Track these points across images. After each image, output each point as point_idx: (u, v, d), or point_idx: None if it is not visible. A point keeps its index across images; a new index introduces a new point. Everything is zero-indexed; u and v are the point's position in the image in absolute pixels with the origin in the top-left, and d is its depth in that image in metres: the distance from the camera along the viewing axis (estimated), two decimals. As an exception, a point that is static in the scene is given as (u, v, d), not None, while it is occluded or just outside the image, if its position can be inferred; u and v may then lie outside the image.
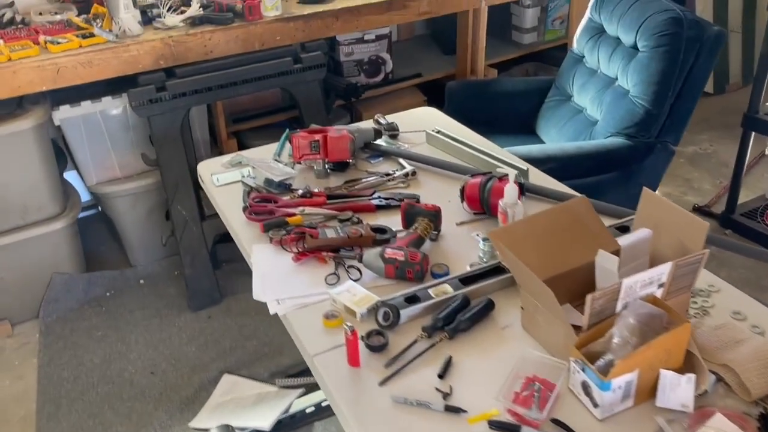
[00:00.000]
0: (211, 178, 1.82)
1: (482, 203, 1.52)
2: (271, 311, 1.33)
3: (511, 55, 3.49)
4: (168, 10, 2.48)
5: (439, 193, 1.68)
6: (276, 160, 1.87)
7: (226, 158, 1.92)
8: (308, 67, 2.56)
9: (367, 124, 2.03)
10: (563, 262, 1.22)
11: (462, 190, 1.57)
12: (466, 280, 1.33)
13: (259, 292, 1.36)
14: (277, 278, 1.40)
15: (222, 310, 2.58)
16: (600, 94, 2.53)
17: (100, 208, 3.07)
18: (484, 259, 1.40)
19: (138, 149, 2.64)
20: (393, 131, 1.98)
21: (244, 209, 1.62)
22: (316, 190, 1.70)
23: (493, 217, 1.53)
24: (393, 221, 1.57)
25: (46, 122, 2.42)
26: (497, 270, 1.35)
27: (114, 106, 2.51)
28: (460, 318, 1.22)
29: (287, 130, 2.04)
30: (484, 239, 1.40)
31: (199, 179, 1.91)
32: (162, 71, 2.40)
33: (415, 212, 1.48)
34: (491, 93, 2.93)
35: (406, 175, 1.76)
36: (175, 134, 2.42)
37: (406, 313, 1.24)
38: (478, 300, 1.27)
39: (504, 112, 2.90)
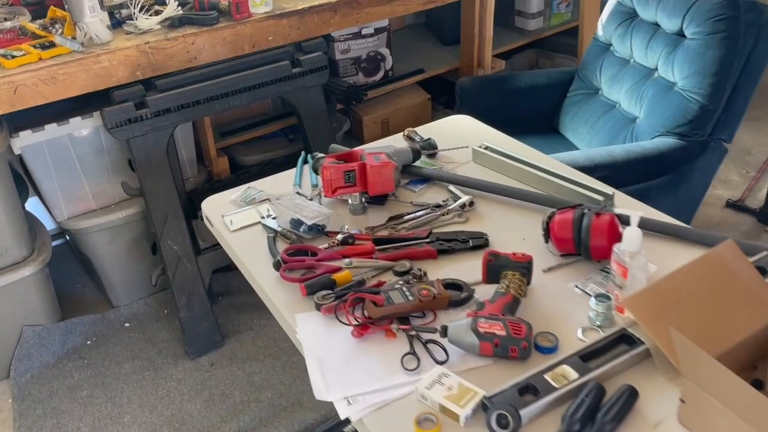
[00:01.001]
0: (223, 220, 1.49)
1: (577, 244, 1.23)
2: (342, 415, 1.01)
3: (516, 43, 3.21)
4: (140, 11, 2.12)
5: (507, 227, 1.39)
6: (299, 193, 1.55)
7: (236, 193, 1.59)
8: (308, 70, 2.23)
9: (401, 143, 1.72)
10: (726, 334, 0.94)
11: (546, 228, 1.28)
12: (587, 355, 1.04)
13: (320, 388, 1.05)
14: (338, 364, 1.09)
15: (225, 356, 2.25)
16: (638, 87, 2.26)
17: (67, 237, 2.68)
18: (597, 322, 1.12)
19: (115, 176, 2.27)
20: (432, 149, 1.67)
21: (276, 266, 1.30)
22: (356, 232, 1.39)
23: (589, 261, 1.25)
24: (460, 270, 1.27)
25: (4, 152, 2.04)
26: (621, 338, 1.07)
27: (84, 128, 2.14)
28: (603, 419, 0.93)
29: (303, 152, 1.72)
30: (599, 298, 1.11)
31: (205, 221, 1.57)
32: (139, 84, 2.04)
33: (500, 264, 1.18)
34: (508, 89, 2.63)
35: (463, 206, 1.46)
36: (161, 158, 2.07)
37: (526, 414, 0.95)
38: (615, 387, 0.98)
39: (521, 109, 2.61)
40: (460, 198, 1.48)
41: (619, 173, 2.02)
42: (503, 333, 1.04)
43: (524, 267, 1.17)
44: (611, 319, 1.11)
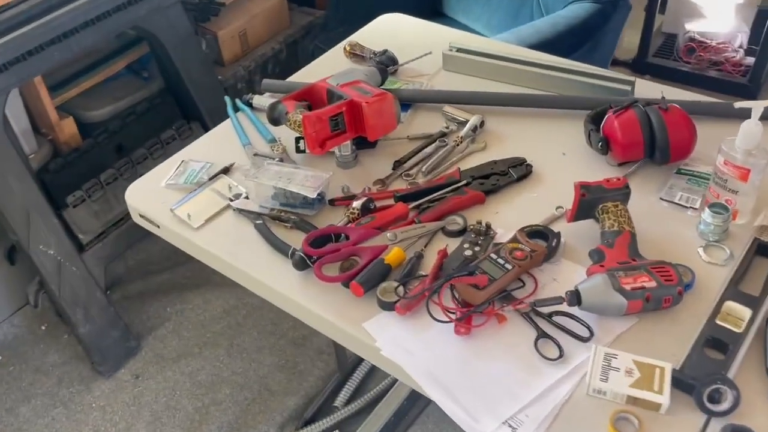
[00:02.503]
0: (175, 215, 1.08)
1: (649, 147, 1.05)
2: (511, 448, 0.77)
3: None
4: None
5: (537, 144, 1.16)
6: (257, 155, 1.17)
7: (167, 173, 1.16)
8: (162, -14, 1.72)
9: (346, 63, 1.38)
10: None
11: (600, 136, 1.07)
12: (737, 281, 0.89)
13: (465, 420, 0.78)
14: (460, 377, 0.82)
15: (150, 361, 1.84)
16: (531, -49, 2.07)
17: None
18: (713, 237, 0.96)
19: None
20: (393, 64, 1.36)
21: (300, 264, 0.96)
22: (366, 191, 1.08)
23: (657, 167, 1.07)
24: (519, 210, 1.04)
25: None
26: (757, 250, 0.92)
27: None
28: (818, 358, 0.79)
29: (227, 99, 1.32)
30: (714, 208, 0.94)
31: (140, 221, 1.15)
32: (-67, 43, 1.43)
33: (595, 198, 0.96)
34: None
35: (474, 128, 1.19)
36: (1, 139, 1.51)
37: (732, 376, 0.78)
38: (794, 313, 0.84)
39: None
40: (460, 120, 1.21)
41: (549, 51, 1.86)
42: (653, 284, 0.84)
43: (623, 193, 0.96)
44: (727, 231, 0.96)
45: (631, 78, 1.22)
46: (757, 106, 0.90)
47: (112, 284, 2.02)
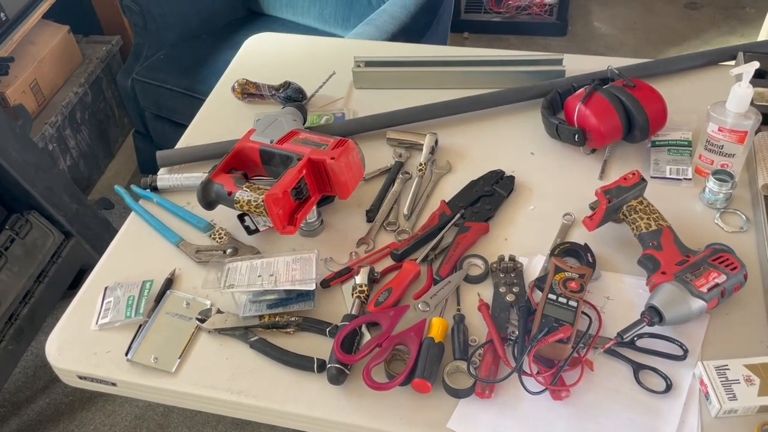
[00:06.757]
0: (137, 362, 0.82)
1: (627, 128, 1.01)
2: None
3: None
4: None
5: (499, 150, 1.07)
6: (201, 251, 0.94)
7: (90, 309, 0.89)
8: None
9: (238, 108, 1.16)
10: None
11: (574, 129, 1.01)
12: (773, 246, 0.88)
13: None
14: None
15: None
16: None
17: None
18: (720, 205, 0.95)
19: None
20: (303, 96, 1.17)
21: (336, 376, 0.77)
22: (354, 260, 0.92)
23: (629, 144, 1.04)
24: (525, 232, 0.95)
25: None
26: (770, 210, 0.93)
27: None
28: None
29: (120, 189, 1.06)
30: (718, 176, 0.93)
31: (75, 382, 0.86)
32: None
33: (620, 200, 0.89)
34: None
35: (432, 150, 1.06)
36: None
37: (836, 349, 0.77)
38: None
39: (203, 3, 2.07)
40: (408, 144, 1.07)
41: (408, 35, 1.77)
42: (723, 278, 0.80)
43: (642, 187, 0.90)
44: (729, 198, 0.95)
45: (560, 55, 1.17)
46: (746, 68, 0.88)
47: (-25, 435, 1.60)
